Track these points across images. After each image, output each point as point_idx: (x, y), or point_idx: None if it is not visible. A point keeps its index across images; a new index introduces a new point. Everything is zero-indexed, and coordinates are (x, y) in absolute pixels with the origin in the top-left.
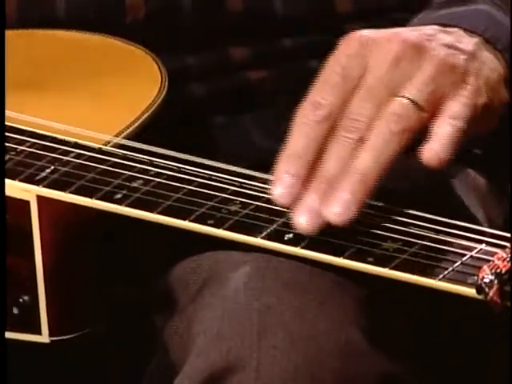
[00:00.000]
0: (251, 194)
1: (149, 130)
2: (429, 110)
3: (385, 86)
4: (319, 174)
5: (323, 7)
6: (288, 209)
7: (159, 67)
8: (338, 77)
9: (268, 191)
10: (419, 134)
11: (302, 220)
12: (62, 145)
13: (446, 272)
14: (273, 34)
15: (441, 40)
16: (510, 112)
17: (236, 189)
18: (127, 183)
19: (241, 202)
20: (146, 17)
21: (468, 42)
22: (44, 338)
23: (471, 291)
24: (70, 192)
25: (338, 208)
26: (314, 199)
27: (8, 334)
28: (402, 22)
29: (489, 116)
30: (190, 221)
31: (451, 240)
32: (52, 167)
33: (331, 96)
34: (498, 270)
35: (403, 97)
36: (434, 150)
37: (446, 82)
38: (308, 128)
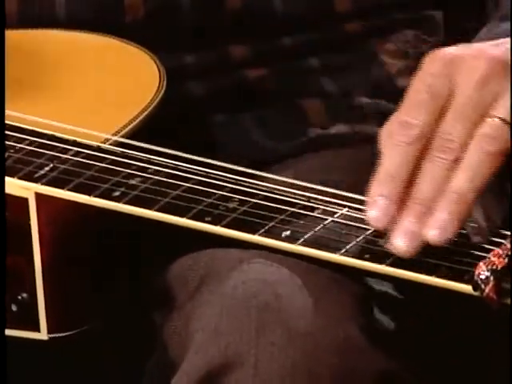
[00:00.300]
0: (249, 192)
1: (147, 129)
2: None
3: (475, 105)
4: (414, 196)
5: (322, 6)
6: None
7: (158, 66)
8: (425, 96)
9: (265, 189)
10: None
11: (401, 243)
12: (61, 143)
13: (442, 268)
14: (272, 33)
15: None
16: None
17: (234, 186)
18: (125, 181)
19: (239, 199)
20: (145, 16)
21: None
22: (42, 335)
23: (467, 288)
24: (69, 189)
25: (437, 229)
26: (411, 221)
27: (7, 332)
28: (401, 22)
29: None
30: (188, 218)
31: None
32: (51, 165)
33: (421, 115)
34: (494, 267)
35: (494, 116)
36: None
37: None
38: (400, 149)
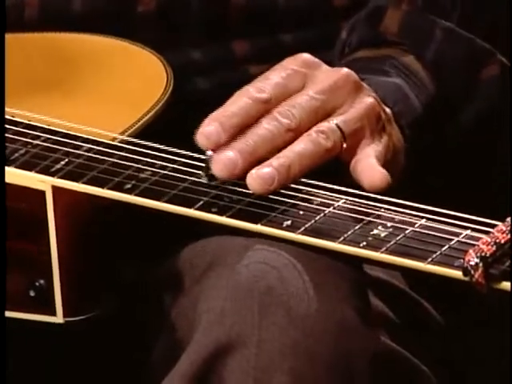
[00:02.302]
0: None
1: (156, 126)
2: (349, 144)
3: (321, 101)
4: (243, 136)
5: (321, 1)
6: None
7: (165, 66)
8: (280, 80)
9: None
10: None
11: (219, 165)
12: (75, 139)
13: (434, 256)
14: (273, 29)
15: (371, 91)
16: (510, 112)
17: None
18: (136, 174)
19: (242, 191)
20: (156, 8)
21: (385, 106)
22: (58, 318)
23: (458, 273)
24: (83, 182)
25: (261, 174)
26: (235, 153)
27: (24, 315)
28: None
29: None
30: (195, 209)
31: (439, 226)
32: (66, 159)
33: (273, 90)
34: (483, 254)
35: (333, 122)
36: (382, 173)
37: (369, 126)
38: (246, 101)
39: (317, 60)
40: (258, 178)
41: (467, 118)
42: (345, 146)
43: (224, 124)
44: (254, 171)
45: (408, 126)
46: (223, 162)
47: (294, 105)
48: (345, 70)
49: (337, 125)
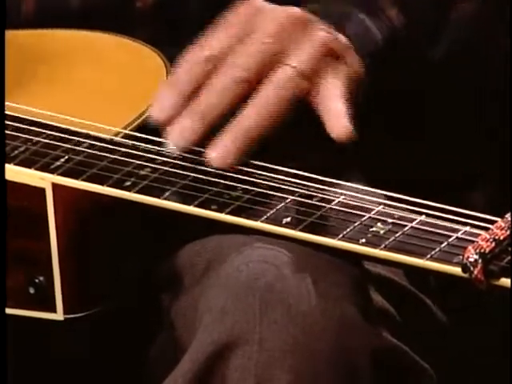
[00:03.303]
0: (252, 181)
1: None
2: (309, 84)
3: (269, 46)
4: (195, 101)
5: None
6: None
7: (164, 62)
8: (226, 29)
9: (267, 179)
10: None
11: (173, 137)
12: (75, 136)
13: (433, 252)
14: None
15: (321, 23)
16: (510, 111)
17: (238, 176)
18: (136, 171)
19: (242, 188)
20: (154, 3)
21: (340, 35)
22: (59, 315)
23: (457, 270)
24: (83, 180)
25: (218, 153)
26: (188, 121)
27: (24, 312)
28: None
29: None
30: (195, 206)
31: (438, 222)
32: (66, 157)
33: (220, 42)
34: (482, 250)
35: (288, 65)
36: (346, 126)
37: (325, 62)
38: (192, 62)
39: (264, 3)
40: (217, 161)
41: (436, 58)
42: (305, 86)
43: (175, 94)
44: (210, 152)
45: (368, 55)
46: (179, 131)
47: (243, 54)
48: (291, 8)
49: (294, 67)
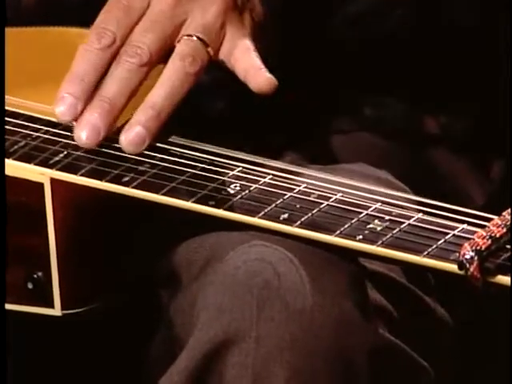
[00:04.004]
0: (250, 178)
1: None
2: (215, 47)
3: (168, 18)
4: (98, 93)
5: None
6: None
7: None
8: (121, 8)
9: (265, 176)
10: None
11: (83, 135)
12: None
13: (429, 249)
14: None
15: None
16: (510, 110)
17: (236, 173)
18: (135, 167)
19: (240, 184)
20: None
21: None
22: (56, 311)
23: (453, 267)
24: (82, 175)
25: (132, 136)
26: (92, 115)
27: (22, 308)
28: None
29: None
30: (193, 202)
31: (435, 220)
32: (65, 152)
33: (114, 26)
34: (478, 248)
35: (192, 35)
36: (268, 77)
37: (228, 18)
38: (91, 54)
39: None
40: (129, 145)
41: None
42: (211, 52)
43: (76, 92)
44: (123, 137)
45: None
46: (87, 128)
47: (140, 35)
48: None
49: (197, 37)
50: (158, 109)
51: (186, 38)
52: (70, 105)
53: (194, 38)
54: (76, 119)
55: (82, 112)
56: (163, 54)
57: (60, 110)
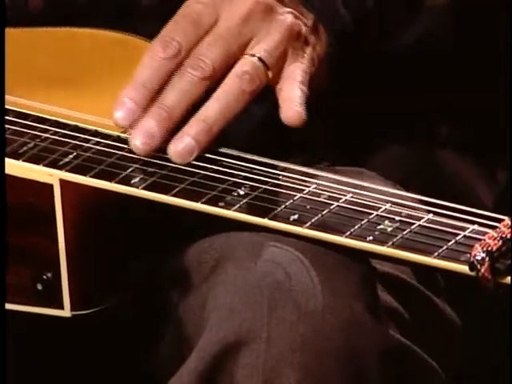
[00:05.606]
0: (259, 179)
1: None
2: (274, 72)
3: (234, 36)
4: (158, 101)
5: None
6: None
7: None
8: (190, 21)
9: (275, 177)
10: None
11: (137, 141)
12: (83, 133)
13: (440, 250)
14: None
15: (287, 6)
16: (510, 109)
17: (246, 174)
18: (144, 168)
19: (250, 185)
20: (160, 1)
21: (307, 14)
22: (66, 312)
23: (464, 268)
24: (91, 176)
25: (181, 147)
26: (150, 122)
27: (31, 309)
28: None
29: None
30: (202, 203)
31: (446, 221)
32: (74, 153)
33: (181, 37)
34: (489, 248)
35: (254, 55)
36: (297, 111)
37: (290, 47)
38: (155, 62)
39: None
40: (177, 155)
41: (406, 43)
42: (270, 76)
43: (137, 98)
44: (172, 147)
45: (334, 35)
46: (143, 134)
47: (205, 49)
48: None
49: (259, 58)
50: (210, 122)
51: (248, 56)
52: (129, 110)
53: (256, 58)
54: (133, 124)
55: (139, 118)
56: (225, 70)
57: (119, 114)
